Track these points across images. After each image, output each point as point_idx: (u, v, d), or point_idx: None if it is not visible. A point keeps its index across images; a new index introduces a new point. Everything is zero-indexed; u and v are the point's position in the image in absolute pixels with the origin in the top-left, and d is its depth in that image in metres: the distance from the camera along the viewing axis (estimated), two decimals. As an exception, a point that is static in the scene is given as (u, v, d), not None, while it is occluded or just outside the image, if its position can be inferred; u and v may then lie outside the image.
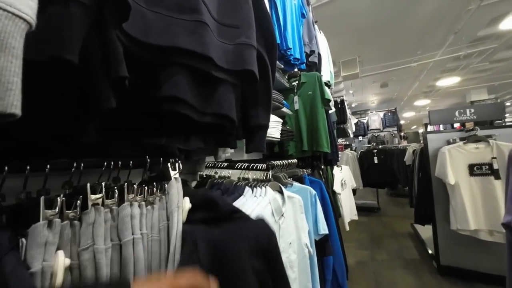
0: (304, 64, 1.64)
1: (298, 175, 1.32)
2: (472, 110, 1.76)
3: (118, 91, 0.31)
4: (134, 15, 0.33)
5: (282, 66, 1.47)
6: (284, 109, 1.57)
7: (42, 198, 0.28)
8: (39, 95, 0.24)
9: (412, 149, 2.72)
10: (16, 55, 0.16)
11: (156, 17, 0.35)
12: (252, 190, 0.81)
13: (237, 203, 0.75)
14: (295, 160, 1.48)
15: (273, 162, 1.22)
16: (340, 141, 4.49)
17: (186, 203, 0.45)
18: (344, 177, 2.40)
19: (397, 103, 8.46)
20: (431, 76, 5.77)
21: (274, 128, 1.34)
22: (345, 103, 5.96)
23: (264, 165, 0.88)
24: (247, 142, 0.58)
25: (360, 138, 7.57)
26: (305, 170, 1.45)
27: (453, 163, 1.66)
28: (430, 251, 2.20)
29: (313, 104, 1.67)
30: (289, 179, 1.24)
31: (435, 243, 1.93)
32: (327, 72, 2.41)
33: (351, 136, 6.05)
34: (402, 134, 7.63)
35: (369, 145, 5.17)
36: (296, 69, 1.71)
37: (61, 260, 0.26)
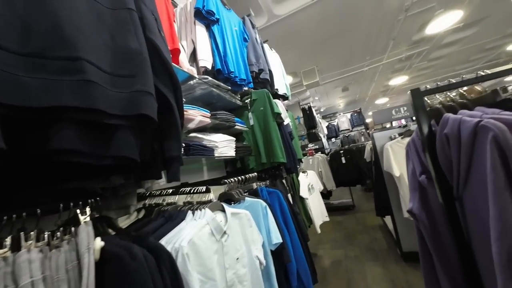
0: (252, 83, 1.76)
1: (253, 189, 1.39)
2: (405, 108, 2.00)
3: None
4: (10, 85, 0.38)
5: (230, 87, 1.56)
6: (239, 126, 1.65)
7: None
8: None
9: (369, 147, 2.95)
10: None
11: (37, 82, 0.40)
12: (193, 214, 0.84)
13: (177, 229, 0.79)
14: (254, 174, 1.55)
15: (225, 180, 1.28)
16: (310, 146, 4.70)
17: (98, 243, 0.48)
18: (310, 181, 2.52)
19: (360, 103, 9.13)
20: (383, 77, 6.38)
21: (227, 147, 1.40)
22: (313, 109, 6.30)
23: (204, 188, 0.93)
24: (166, 172, 0.63)
25: (333, 139, 7.96)
26: (262, 183, 1.52)
27: (396, 157, 1.85)
28: (395, 240, 2.35)
29: (266, 119, 1.77)
30: (246, 193, 1.30)
31: (395, 232, 2.08)
32: (282, 85, 2.57)
33: (324, 139, 6.36)
34: (370, 131, 8.17)
35: (344, 146, 5.44)
36: (246, 88, 1.82)
37: None
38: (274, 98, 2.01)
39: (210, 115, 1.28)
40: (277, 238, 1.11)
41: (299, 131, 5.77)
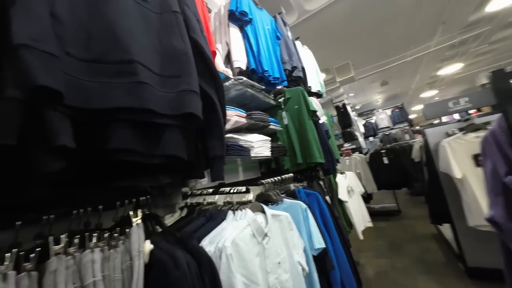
0: (286, 81, 1.71)
1: (290, 190, 1.33)
2: (467, 99, 1.71)
3: (67, 151, 0.37)
4: (76, 89, 0.40)
5: (264, 86, 1.54)
6: (273, 126, 1.62)
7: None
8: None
9: (418, 145, 2.63)
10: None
11: (97, 86, 0.43)
12: (234, 214, 0.83)
13: (218, 229, 0.78)
14: (290, 175, 1.50)
15: (262, 181, 1.25)
16: (346, 145, 4.41)
17: (147, 246, 0.49)
18: (350, 183, 2.34)
19: (402, 98, 8.28)
20: (431, 67, 5.67)
21: (262, 147, 1.38)
22: (348, 107, 5.96)
23: (244, 188, 0.91)
24: (210, 171, 0.62)
25: (371, 138, 7.40)
26: (299, 184, 1.45)
27: (456, 156, 1.59)
28: (456, 252, 2.03)
29: (301, 117, 1.71)
30: (283, 195, 1.26)
31: (457, 243, 1.79)
32: (316, 82, 2.47)
33: (361, 138, 5.95)
34: (415, 128, 7.37)
35: (385, 145, 4.98)
36: (280, 87, 1.78)
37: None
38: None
39: (245, 115, 1.28)
40: (319, 243, 1.04)
41: (333, 130, 5.49)
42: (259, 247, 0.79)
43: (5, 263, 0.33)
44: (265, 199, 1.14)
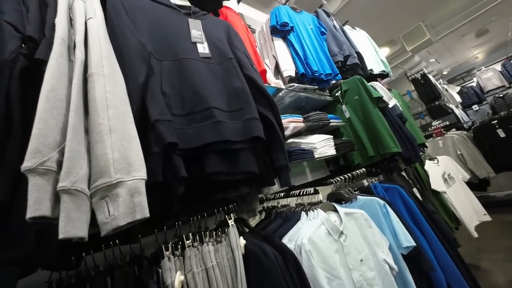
0: (339, 75, 1.64)
1: (364, 187, 1.27)
2: None
3: (184, 180, 0.56)
4: (182, 136, 0.60)
5: (316, 86, 1.55)
6: (334, 122, 1.59)
7: (163, 246, 0.55)
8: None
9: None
10: (144, 194, 0.42)
11: (193, 131, 0.61)
12: (307, 214, 0.90)
13: (295, 228, 0.87)
14: (362, 170, 1.44)
15: (331, 179, 1.26)
16: (436, 123, 3.62)
17: (242, 241, 0.64)
18: (445, 170, 1.95)
19: (519, 43, 6.04)
20: None
21: (326, 146, 1.38)
22: (430, 76, 4.93)
23: (312, 189, 0.97)
24: (279, 179, 0.73)
25: (475, 107, 5.78)
26: (374, 179, 1.35)
27: None
28: None
29: (364, 107, 1.59)
30: (356, 192, 1.22)
31: None
32: (377, 63, 2.23)
33: (457, 110, 4.77)
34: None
35: (500, 112, 3.79)
36: (334, 81, 1.72)
37: (178, 277, 0.50)
38: (370, 81, 1.77)
39: (302, 119, 1.33)
40: (407, 241, 0.96)
41: (415, 108, 4.63)
42: (337, 244, 0.82)
43: (168, 251, 0.55)
44: (337, 198, 1.15)
